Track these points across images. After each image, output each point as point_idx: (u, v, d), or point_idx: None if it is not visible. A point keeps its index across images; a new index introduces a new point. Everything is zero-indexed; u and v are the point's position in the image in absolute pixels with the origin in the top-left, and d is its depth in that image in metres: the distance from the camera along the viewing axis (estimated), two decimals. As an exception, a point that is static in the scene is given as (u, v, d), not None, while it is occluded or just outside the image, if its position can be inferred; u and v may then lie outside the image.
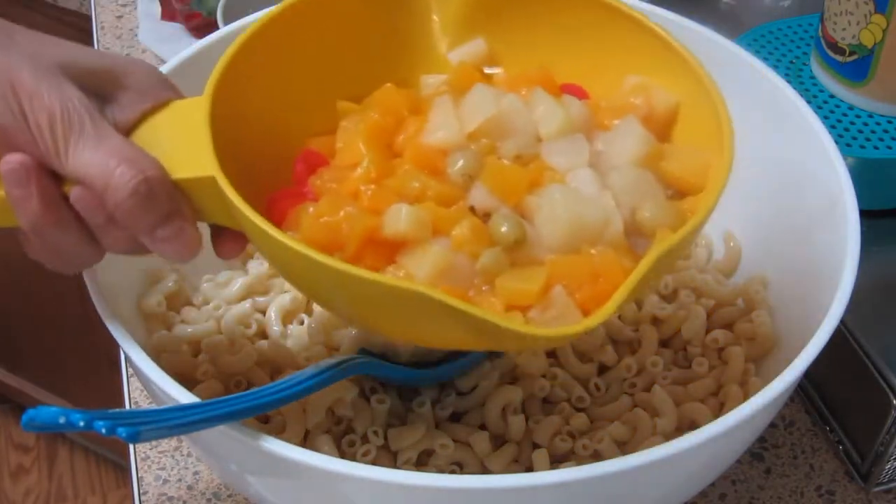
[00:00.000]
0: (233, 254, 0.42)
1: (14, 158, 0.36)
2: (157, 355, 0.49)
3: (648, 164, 0.41)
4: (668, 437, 0.48)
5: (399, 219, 0.37)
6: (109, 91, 0.38)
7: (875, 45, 0.60)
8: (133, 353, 0.40)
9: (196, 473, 0.54)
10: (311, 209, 0.39)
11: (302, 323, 0.52)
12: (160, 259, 0.52)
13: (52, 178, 0.37)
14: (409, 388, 0.49)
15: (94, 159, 0.36)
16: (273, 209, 0.41)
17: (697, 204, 0.40)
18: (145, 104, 0.39)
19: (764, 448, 0.56)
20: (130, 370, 0.60)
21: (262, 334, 0.52)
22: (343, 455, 0.46)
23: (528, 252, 0.38)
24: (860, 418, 0.54)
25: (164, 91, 0.40)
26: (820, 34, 0.64)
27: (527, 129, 0.41)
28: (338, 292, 0.38)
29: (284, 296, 0.52)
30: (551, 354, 0.52)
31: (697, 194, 0.41)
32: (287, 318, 0.52)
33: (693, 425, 0.48)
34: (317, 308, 0.52)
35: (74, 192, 0.37)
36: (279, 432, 0.46)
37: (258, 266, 0.54)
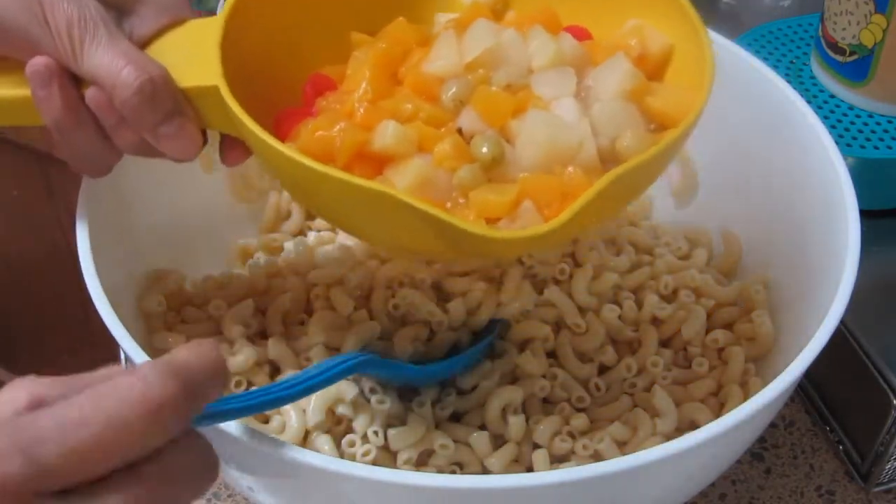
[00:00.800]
0: (237, 161, 0.45)
1: (38, 61, 0.40)
2: (156, 355, 0.48)
3: (633, 98, 0.43)
4: (668, 437, 0.48)
5: (386, 134, 0.40)
6: (130, 5, 0.42)
7: (875, 45, 0.60)
8: (133, 353, 0.40)
9: (196, 473, 0.54)
10: (310, 124, 0.42)
11: (302, 323, 0.52)
12: (160, 259, 0.53)
13: (72, 81, 0.41)
14: (410, 388, 0.49)
15: (105, 60, 0.39)
16: (280, 126, 0.43)
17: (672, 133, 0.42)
18: (162, 20, 0.42)
19: (764, 448, 0.56)
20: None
21: (263, 334, 0.52)
22: (343, 455, 0.46)
23: (505, 171, 0.40)
24: (860, 418, 0.54)
25: (183, 10, 0.43)
26: (820, 34, 0.64)
27: (520, 61, 0.43)
28: (320, 194, 0.41)
29: (284, 296, 0.52)
30: (551, 355, 0.52)
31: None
32: (287, 318, 0.52)
33: (693, 425, 0.48)
34: (317, 308, 0.52)
35: (89, 93, 0.40)
36: (279, 432, 0.46)
37: (258, 266, 0.54)
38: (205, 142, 0.43)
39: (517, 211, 0.39)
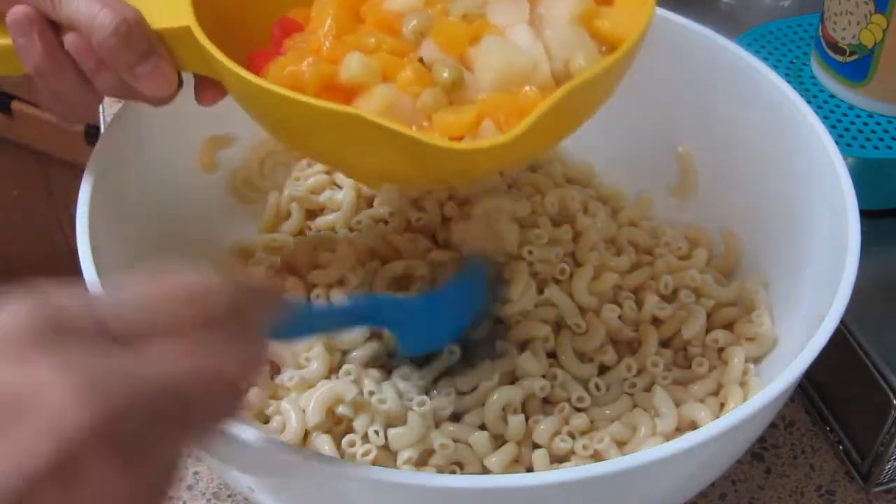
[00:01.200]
0: (213, 101, 0.47)
1: (18, 10, 0.42)
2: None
3: (583, 21, 0.45)
4: (668, 437, 0.48)
5: (351, 66, 0.43)
6: None
7: (875, 45, 0.60)
8: (133, 353, 0.40)
9: (196, 473, 0.54)
10: (279, 61, 0.44)
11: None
12: (160, 259, 0.52)
13: (51, 28, 0.43)
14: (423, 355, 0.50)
15: (82, 6, 0.41)
16: (252, 67, 0.45)
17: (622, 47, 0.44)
18: None
19: (764, 448, 0.56)
20: (130, 370, 0.60)
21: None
22: (343, 455, 0.46)
23: (465, 94, 0.43)
24: (860, 418, 0.54)
25: None
26: (820, 34, 0.64)
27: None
28: (294, 123, 0.43)
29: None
30: (551, 355, 0.52)
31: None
32: (287, 318, 0.52)
33: (693, 425, 0.49)
34: (317, 308, 0.52)
35: (68, 38, 0.42)
36: (279, 432, 0.46)
37: (258, 266, 0.54)
38: (180, 83, 0.45)
39: (478, 129, 0.42)
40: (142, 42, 0.42)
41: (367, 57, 0.43)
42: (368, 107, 0.42)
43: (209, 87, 0.46)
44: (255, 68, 0.45)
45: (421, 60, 0.44)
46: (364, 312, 0.46)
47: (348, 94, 0.43)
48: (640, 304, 0.54)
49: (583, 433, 0.49)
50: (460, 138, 0.41)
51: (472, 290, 0.51)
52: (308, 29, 0.47)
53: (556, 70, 0.44)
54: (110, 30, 0.41)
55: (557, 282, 0.54)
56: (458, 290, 0.51)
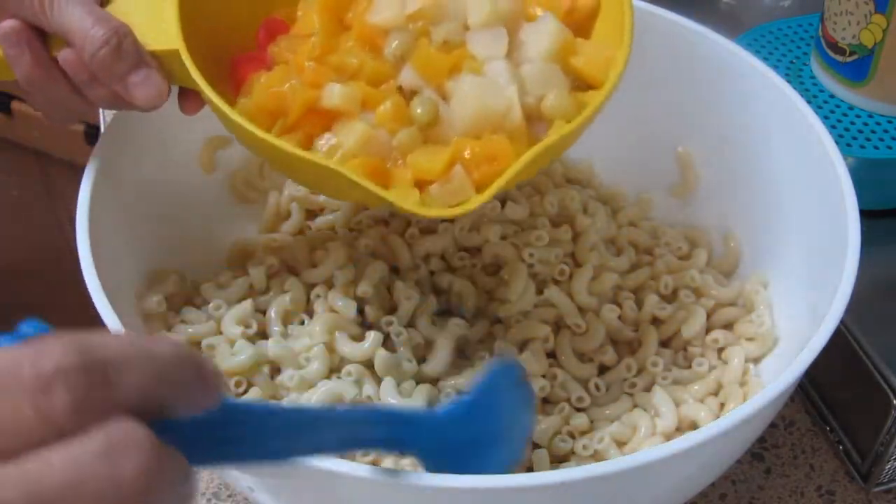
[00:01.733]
0: (195, 110, 0.48)
1: (7, 24, 0.43)
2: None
3: (559, 58, 0.47)
4: (668, 437, 0.48)
5: (333, 94, 0.45)
6: None
7: (875, 45, 0.60)
8: (133, 353, 0.40)
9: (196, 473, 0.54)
10: (262, 79, 0.46)
11: (302, 323, 0.52)
12: (160, 259, 0.53)
13: (42, 41, 0.44)
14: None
15: (73, 18, 0.43)
16: (236, 71, 0.48)
17: (594, 98, 0.46)
18: None
19: (764, 448, 0.56)
20: (130, 370, 0.60)
21: (263, 334, 0.52)
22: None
23: (439, 131, 0.45)
24: (860, 418, 0.54)
25: None
26: (820, 34, 0.64)
27: (458, 15, 0.47)
28: (275, 158, 0.46)
29: (284, 296, 0.52)
30: (551, 355, 0.52)
31: (599, 87, 0.47)
32: (287, 318, 0.52)
33: (693, 425, 0.49)
34: (317, 308, 0.52)
35: (62, 54, 0.44)
36: (279, 432, 0.46)
37: (258, 266, 0.54)
38: (169, 91, 0.46)
39: (449, 174, 0.44)
40: (132, 54, 0.43)
41: (348, 87, 0.45)
42: (348, 139, 0.44)
43: (193, 98, 0.47)
44: (240, 73, 0.48)
45: (400, 88, 0.46)
46: (364, 435, 0.34)
47: (330, 116, 0.45)
48: (640, 304, 0.54)
49: (583, 433, 0.49)
50: (431, 181, 0.44)
51: (511, 407, 0.42)
52: (293, 31, 0.48)
53: (529, 105, 0.45)
54: (101, 41, 0.42)
55: (557, 282, 0.54)
56: (492, 406, 0.40)
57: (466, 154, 0.44)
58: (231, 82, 0.48)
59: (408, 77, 0.46)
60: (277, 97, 0.45)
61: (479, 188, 0.44)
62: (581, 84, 0.47)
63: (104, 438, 0.22)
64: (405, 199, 0.43)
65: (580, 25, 0.48)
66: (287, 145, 0.43)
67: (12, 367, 0.22)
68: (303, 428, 0.30)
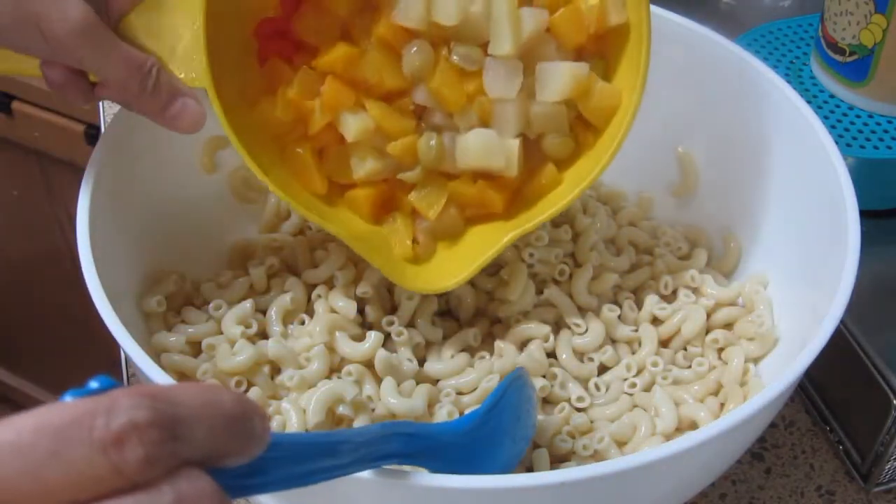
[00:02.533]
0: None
1: (55, 76, 0.44)
2: (156, 355, 0.49)
3: (570, 101, 0.49)
4: (668, 437, 0.48)
5: (349, 127, 0.49)
6: None
7: (875, 45, 0.60)
8: (133, 353, 0.40)
9: (196, 473, 0.54)
10: (287, 93, 0.49)
11: (303, 323, 0.52)
12: (160, 259, 0.53)
13: (82, 75, 0.45)
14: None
15: (108, 68, 0.43)
16: (258, 33, 0.50)
17: (585, 166, 0.50)
18: None
19: (764, 448, 0.56)
20: (130, 370, 0.60)
21: (263, 334, 0.52)
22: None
23: (443, 164, 0.50)
24: (860, 418, 0.54)
25: None
26: (820, 34, 0.64)
27: (477, 35, 0.48)
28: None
29: (285, 296, 0.52)
30: (551, 355, 0.52)
31: (598, 132, 0.50)
32: (287, 318, 0.52)
33: (693, 425, 0.49)
34: (318, 309, 0.52)
35: (97, 90, 0.45)
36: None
37: (258, 267, 0.54)
38: (205, 113, 0.47)
39: (444, 214, 0.51)
40: (166, 90, 0.45)
41: (363, 122, 0.48)
42: (358, 171, 0.50)
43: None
44: (262, 37, 0.49)
45: (415, 104, 0.50)
46: (381, 450, 0.35)
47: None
48: (639, 304, 0.54)
49: (583, 433, 0.49)
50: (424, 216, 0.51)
51: (517, 408, 0.44)
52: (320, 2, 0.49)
53: (531, 137, 0.50)
54: (136, 90, 0.44)
55: (557, 282, 0.54)
56: (501, 409, 0.42)
57: (459, 200, 0.51)
58: (255, 50, 0.50)
59: (421, 96, 0.49)
60: (298, 109, 0.49)
61: (469, 222, 0.52)
62: (584, 123, 0.50)
63: (174, 491, 0.23)
64: (395, 273, 0.50)
65: (594, 48, 0.49)
66: (300, 207, 0.48)
67: (86, 419, 0.22)
68: (327, 453, 0.32)
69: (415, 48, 0.48)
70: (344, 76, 0.49)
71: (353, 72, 0.48)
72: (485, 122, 0.49)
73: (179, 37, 0.46)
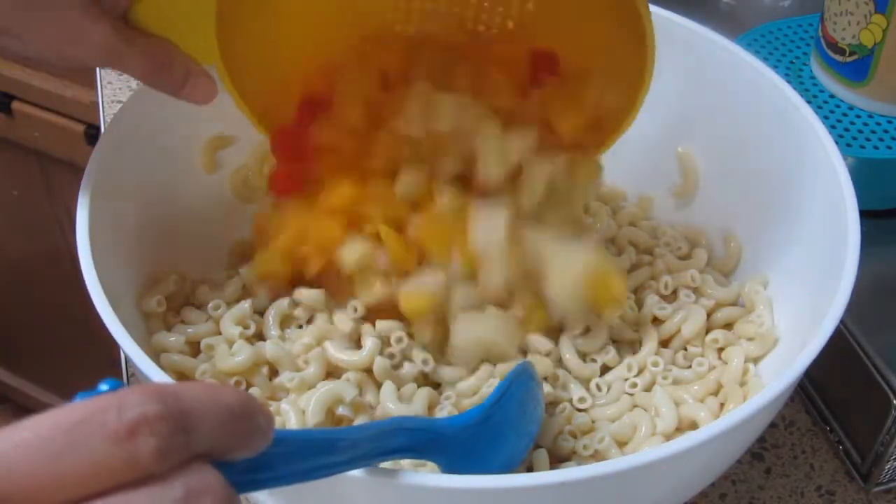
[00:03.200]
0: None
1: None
2: (156, 355, 0.49)
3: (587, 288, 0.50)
4: (668, 437, 0.48)
5: (348, 259, 0.50)
6: None
7: (875, 45, 0.60)
8: (133, 353, 0.40)
9: (196, 473, 0.54)
10: (289, 226, 0.51)
11: (300, 327, 0.52)
12: (160, 259, 0.53)
13: None
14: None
15: (127, 68, 0.46)
16: (275, 142, 0.53)
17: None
18: None
19: (764, 448, 0.56)
20: (130, 370, 0.60)
21: (261, 335, 0.52)
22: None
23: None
24: (860, 418, 0.54)
25: None
26: (820, 34, 0.64)
27: (465, 151, 0.50)
28: None
29: (283, 300, 0.52)
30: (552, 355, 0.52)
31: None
32: (285, 322, 0.52)
33: (693, 425, 0.49)
34: (317, 318, 0.52)
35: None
36: (279, 432, 0.46)
37: (249, 266, 0.54)
38: (216, 85, 0.49)
39: None
40: (179, 71, 0.47)
41: (361, 251, 0.50)
42: (368, 299, 0.50)
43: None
44: (279, 143, 0.52)
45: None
46: (385, 445, 0.36)
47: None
48: (640, 304, 0.54)
49: (584, 433, 0.49)
50: None
51: (522, 402, 0.44)
52: (334, 114, 0.51)
53: (516, 269, 0.50)
54: (152, 78, 0.46)
55: (557, 282, 0.54)
56: (506, 403, 0.43)
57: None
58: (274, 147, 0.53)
59: (414, 229, 0.50)
60: (297, 255, 0.51)
61: None
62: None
63: (184, 484, 0.24)
64: None
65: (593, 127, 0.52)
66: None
67: (98, 414, 0.23)
68: (331, 449, 0.32)
69: (408, 180, 0.50)
70: (344, 213, 0.51)
71: (355, 208, 0.50)
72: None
73: (189, 20, 0.47)
